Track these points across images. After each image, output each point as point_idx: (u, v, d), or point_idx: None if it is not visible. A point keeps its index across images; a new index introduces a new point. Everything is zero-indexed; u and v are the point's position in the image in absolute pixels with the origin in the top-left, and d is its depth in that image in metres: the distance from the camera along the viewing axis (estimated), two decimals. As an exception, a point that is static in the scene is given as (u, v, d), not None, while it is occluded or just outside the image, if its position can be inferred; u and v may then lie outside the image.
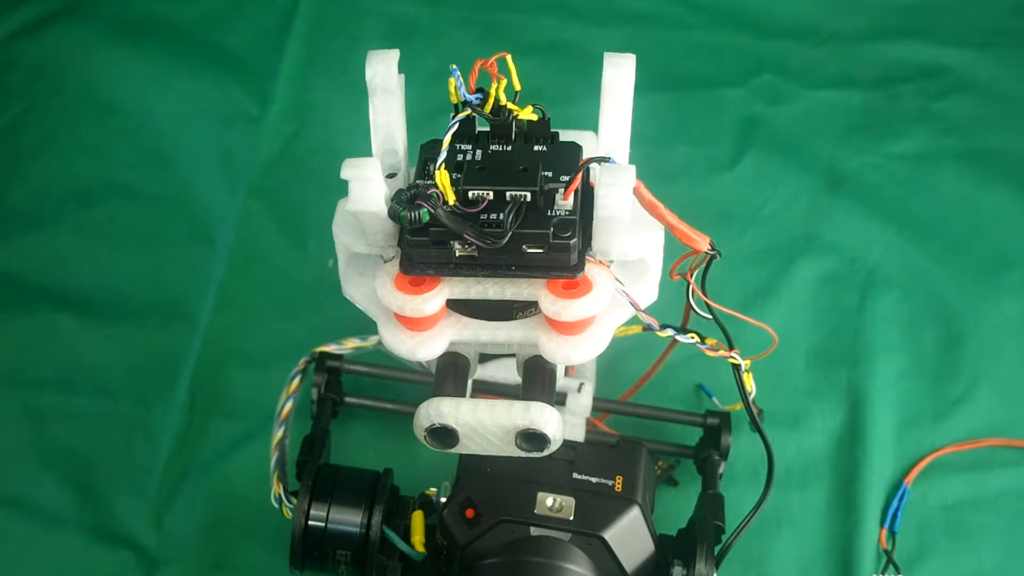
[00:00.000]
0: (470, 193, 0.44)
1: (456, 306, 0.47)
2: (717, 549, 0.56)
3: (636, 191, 0.45)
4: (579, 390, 0.63)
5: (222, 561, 0.65)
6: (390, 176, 0.48)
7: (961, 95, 0.84)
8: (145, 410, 0.70)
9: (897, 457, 0.68)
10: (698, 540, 0.55)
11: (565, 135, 0.48)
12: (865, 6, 0.88)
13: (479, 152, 0.47)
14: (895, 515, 0.66)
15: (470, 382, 0.50)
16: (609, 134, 0.48)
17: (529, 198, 0.44)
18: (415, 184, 0.44)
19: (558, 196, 0.45)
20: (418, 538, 0.56)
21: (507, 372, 0.63)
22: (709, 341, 0.51)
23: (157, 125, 0.82)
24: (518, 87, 0.46)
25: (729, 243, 0.76)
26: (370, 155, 0.48)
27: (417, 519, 0.57)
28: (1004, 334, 0.73)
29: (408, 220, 0.43)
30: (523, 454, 0.47)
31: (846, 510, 0.66)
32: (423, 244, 0.44)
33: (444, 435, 0.47)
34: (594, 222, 0.45)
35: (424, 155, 0.48)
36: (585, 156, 0.47)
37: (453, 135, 0.46)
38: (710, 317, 0.50)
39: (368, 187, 0.44)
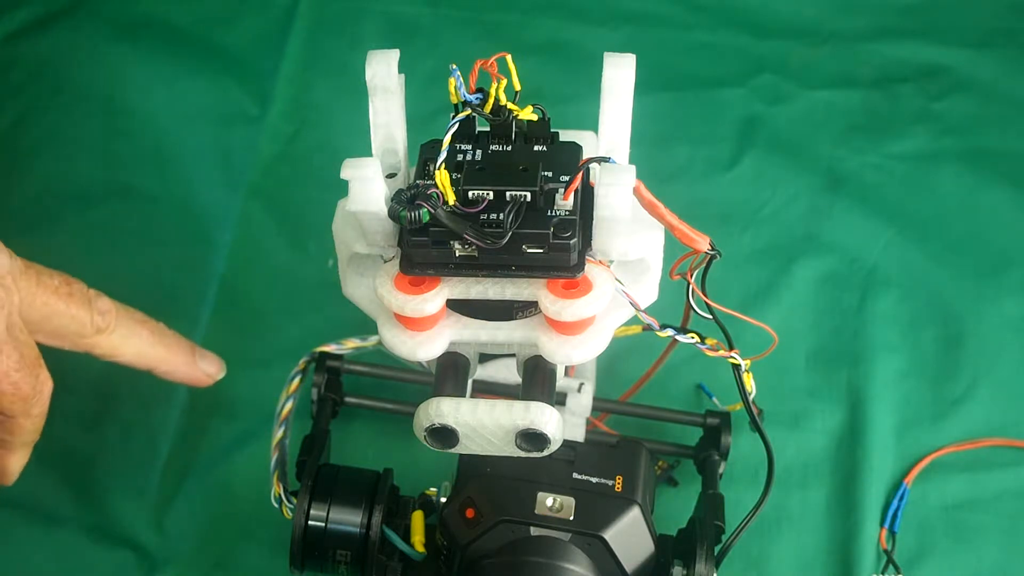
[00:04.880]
0: (470, 193, 0.45)
1: (456, 306, 0.47)
2: (717, 549, 0.56)
3: (636, 191, 0.45)
4: (579, 390, 0.63)
5: (222, 561, 0.65)
6: (390, 176, 0.48)
7: (961, 95, 0.84)
8: (145, 410, 0.70)
9: (897, 457, 0.68)
10: (698, 540, 0.55)
11: (565, 135, 0.48)
12: (865, 6, 0.88)
13: (479, 152, 0.47)
14: (895, 515, 0.66)
15: (470, 382, 0.50)
16: (609, 134, 0.48)
17: (529, 198, 0.44)
18: (415, 184, 0.44)
19: (558, 196, 0.45)
20: (418, 538, 0.56)
21: (507, 372, 0.64)
22: (709, 341, 0.51)
23: (157, 125, 0.82)
24: (518, 87, 0.46)
25: (729, 243, 0.76)
26: (370, 155, 0.48)
27: (417, 519, 0.57)
28: (1004, 334, 0.73)
29: (408, 220, 0.43)
30: (523, 454, 0.47)
31: (846, 510, 0.66)
32: (423, 244, 0.44)
33: (444, 435, 0.47)
34: (594, 222, 0.45)
35: (424, 155, 0.48)
36: (585, 156, 0.47)
37: (453, 135, 0.46)
38: (710, 317, 0.50)
39: (368, 187, 0.44)
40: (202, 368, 0.62)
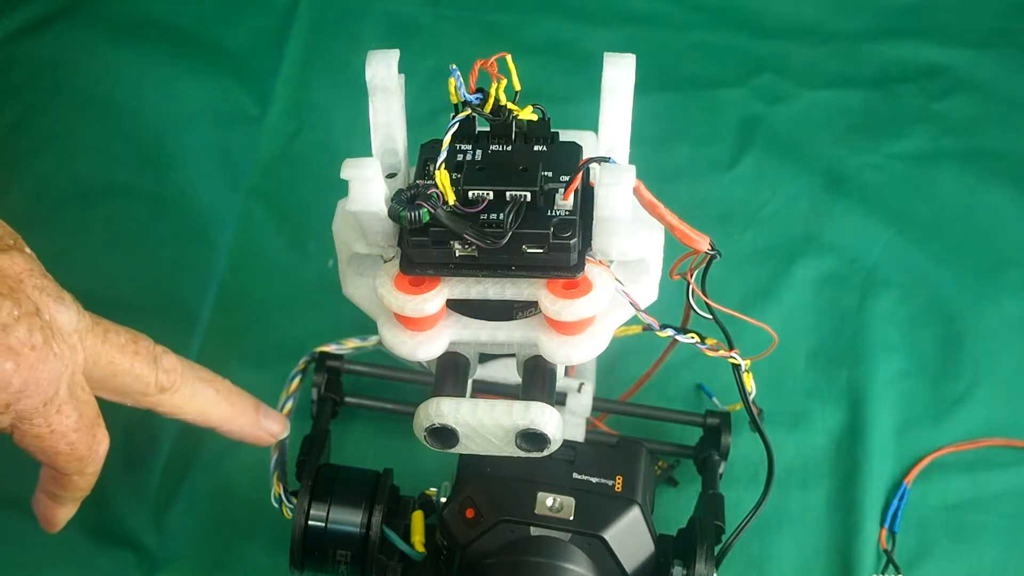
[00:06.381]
0: (470, 193, 0.45)
1: (456, 306, 0.47)
2: (717, 549, 0.56)
3: (636, 191, 0.45)
4: (579, 390, 0.63)
5: (222, 561, 0.65)
6: (390, 176, 0.48)
7: (961, 95, 0.84)
8: (146, 410, 0.70)
9: (897, 457, 0.68)
10: (698, 540, 0.55)
11: (565, 135, 0.48)
12: (865, 6, 0.88)
13: (479, 152, 0.47)
14: (895, 515, 0.66)
15: (470, 382, 0.50)
16: (609, 134, 0.48)
17: (529, 198, 0.44)
18: (415, 184, 0.44)
19: (558, 196, 0.45)
20: (418, 538, 0.56)
21: (507, 372, 0.64)
22: (709, 341, 0.51)
23: (157, 125, 0.82)
24: (518, 87, 0.46)
25: (729, 243, 0.76)
26: (370, 155, 0.48)
27: (417, 519, 0.57)
28: (1004, 334, 0.73)
29: (408, 220, 0.43)
30: (523, 454, 0.47)
31: (846, 510, 0.66)
32: (423, 244, 0.44)
33: (444, 435, 0.47)
34: (594, 222, 0.45)
35: (424, 155, 0.48)
36: (585, 156, 0.47)
37: (453, 135, 0.46)
38: (710, 317, 0.50)
39: (368, 187, 0.44)
40: (265, 427, 0.60)
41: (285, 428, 0.60)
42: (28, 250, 0.51)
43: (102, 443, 0.53)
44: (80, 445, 0.51)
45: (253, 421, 0.59)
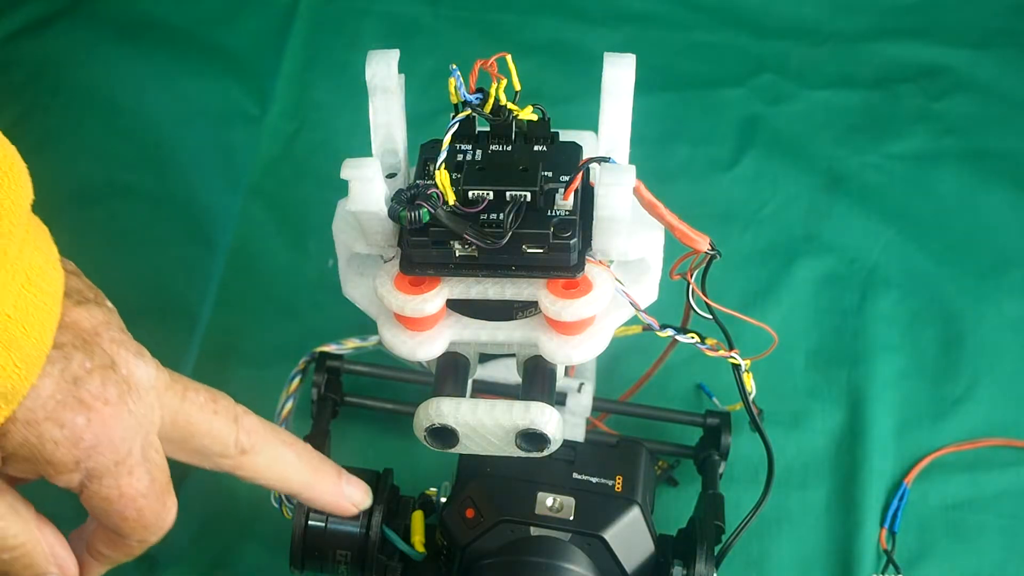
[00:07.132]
0: (470, 193, 0.45)
1: (456, 306, 0.47)
2: (717, 549, 0.56)
3: (636, 191, 0.45)
4: (579, 390, 0.63)
5: (222, 561, 0.65)
6: (390, 176, 0.49)
7: (961, 95, 0.84)
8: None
9: (897, 457, 0.68)
10: (698, 540, 0.55)
11: (565, 135, 0.48)
12: (865, 6, 0.88)
13: (479, 152, 0.47)
14: (895, 515, 0.66)
15: (470, 382, 0.50)
16: (609, 134, 0.48)
17: (529, 198, 0.44)
18: (415, 184, 0.44)
19: (558, 196, 0.45)
20: (418, 538, 0.56)
21: (507, 372, 0.64)
22: (709, 341, 0.51)
23: (157, 125, 0.82)
24: (518, 87, 0.46)
25: (729, 243, 0.76)
26: (370, 155, 0.48)
27: (417, 519, 0.57)
28: (1004, 334, 0.73)
29: (408, 220, 0.43)
30: (523, 454, 0.47)
31: (846, 510, 0.66)
32: (423, 244, 0.44)
33: (444, 435, 0.47)
34: (594, 222, 0.45)
35: (424, 155, 0.48)
36: (585, 156, 0.47)
37: (453, 135, 0.46)
38: (710, 317, 0.50)
39: (368, 187, 0.44)
40: (348, 495, 0.55)
41: (368, 496, 0.56)
42: (109, 304, 0.48)
43: (171, 511, 0.50)
44: (148, 512, 0.48)
45: (336, 489, 0.55)
